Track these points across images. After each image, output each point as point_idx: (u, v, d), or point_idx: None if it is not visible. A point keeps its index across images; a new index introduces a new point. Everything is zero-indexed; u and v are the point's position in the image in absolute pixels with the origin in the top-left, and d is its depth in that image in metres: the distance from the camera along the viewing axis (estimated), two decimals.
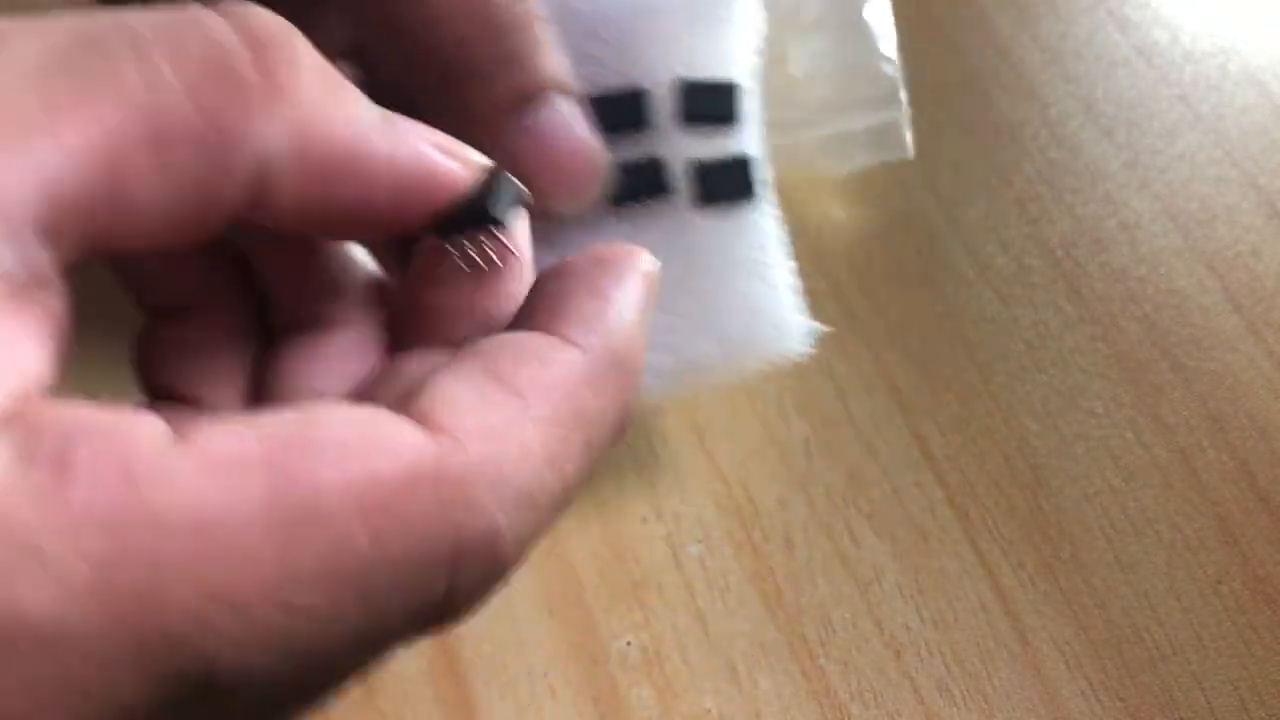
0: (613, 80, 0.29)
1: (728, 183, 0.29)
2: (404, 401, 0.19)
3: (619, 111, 0.29)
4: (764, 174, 0.30)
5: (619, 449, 0.39)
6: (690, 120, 0.29)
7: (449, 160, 0.21)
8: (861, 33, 0.48)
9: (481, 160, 0.22)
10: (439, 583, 0.18)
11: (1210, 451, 0.38)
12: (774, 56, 0.47)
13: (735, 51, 0.30)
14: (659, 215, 0.29)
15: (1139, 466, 0.38)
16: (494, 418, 0.19)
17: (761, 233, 0.30)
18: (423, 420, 0.19)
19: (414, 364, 0.22)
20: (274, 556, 0.17)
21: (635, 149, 0.29)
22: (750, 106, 0.30)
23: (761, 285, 0.29)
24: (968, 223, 0.44)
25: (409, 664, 0.34)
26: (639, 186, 0.29)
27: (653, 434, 0.39)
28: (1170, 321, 0.41)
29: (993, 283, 0.42)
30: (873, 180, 0.45)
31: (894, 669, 0.34)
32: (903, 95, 0.46)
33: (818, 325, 0.29)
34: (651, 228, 0.29)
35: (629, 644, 0.35)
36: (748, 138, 0.30)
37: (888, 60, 0.47)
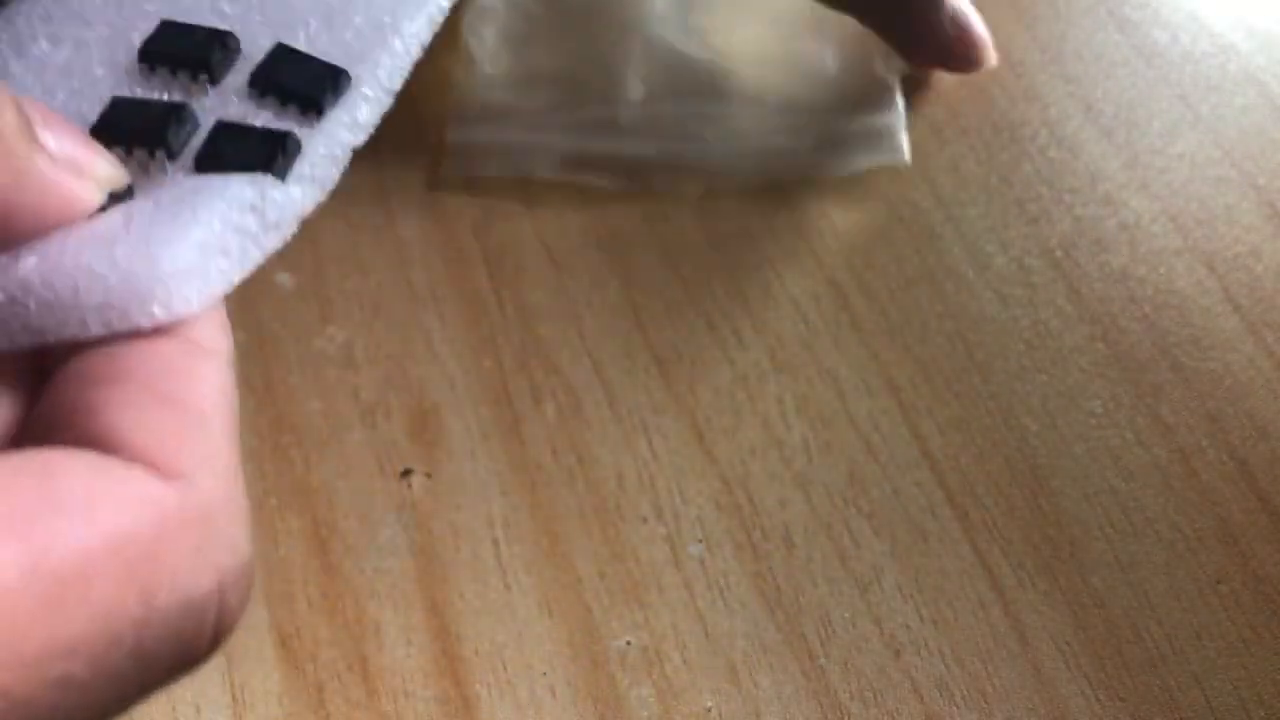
0: (209, 18, 0.26)
1: (239, 151, 0.24)
2: (77, 434, 0.18)
3: (191, 45, 0.25)
4: (325, 171, 0.24)
5: (618, 449, 0.39)
6: (257, 87, 0.25)
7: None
8: (861, 37, 0.48)
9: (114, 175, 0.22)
10: (207, 623, 0.18)
11: (1210, 451, 0.38)
12: (773, 58, 0.48)
13: (373, 51, 0.26)
14: (147, 169, 0.24)
15: (1139, 466, 0.38)
16: (197, 445, 0.18)
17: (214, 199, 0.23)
18: (115, 452, 0.18)
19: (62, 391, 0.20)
20: (41, 632, 0.16)
21: (177, 93, 0.25)
22: (359, 114, 0.25)
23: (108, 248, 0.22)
24: (968, 223, 0.44)
25: (409, 663, 0.34)
26: (140, 127, 0.24)
27: (653, 434, 0.39)
28: (1170, 321, 0.41)
29: (992, 283, 0.42)
30: (873, 180, 0.45)
31: (894, 669, 0.34)
32: (900, 100, 0.46)
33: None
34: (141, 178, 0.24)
35: (629, 644, 0.35)
36: (321, 133, 0.24)
37: (886, 65, 0.47)
